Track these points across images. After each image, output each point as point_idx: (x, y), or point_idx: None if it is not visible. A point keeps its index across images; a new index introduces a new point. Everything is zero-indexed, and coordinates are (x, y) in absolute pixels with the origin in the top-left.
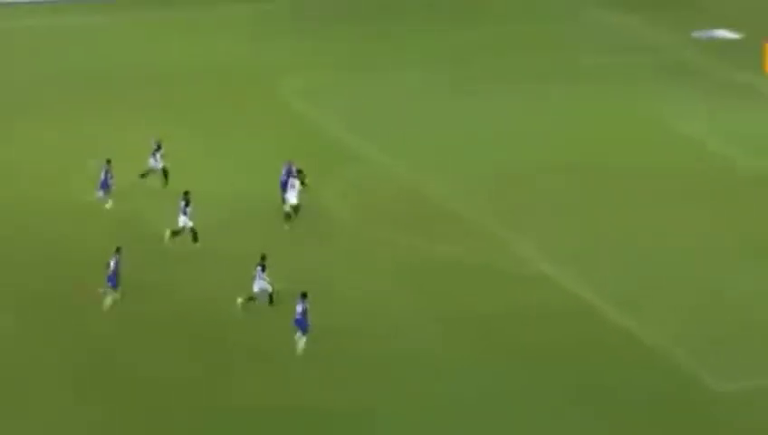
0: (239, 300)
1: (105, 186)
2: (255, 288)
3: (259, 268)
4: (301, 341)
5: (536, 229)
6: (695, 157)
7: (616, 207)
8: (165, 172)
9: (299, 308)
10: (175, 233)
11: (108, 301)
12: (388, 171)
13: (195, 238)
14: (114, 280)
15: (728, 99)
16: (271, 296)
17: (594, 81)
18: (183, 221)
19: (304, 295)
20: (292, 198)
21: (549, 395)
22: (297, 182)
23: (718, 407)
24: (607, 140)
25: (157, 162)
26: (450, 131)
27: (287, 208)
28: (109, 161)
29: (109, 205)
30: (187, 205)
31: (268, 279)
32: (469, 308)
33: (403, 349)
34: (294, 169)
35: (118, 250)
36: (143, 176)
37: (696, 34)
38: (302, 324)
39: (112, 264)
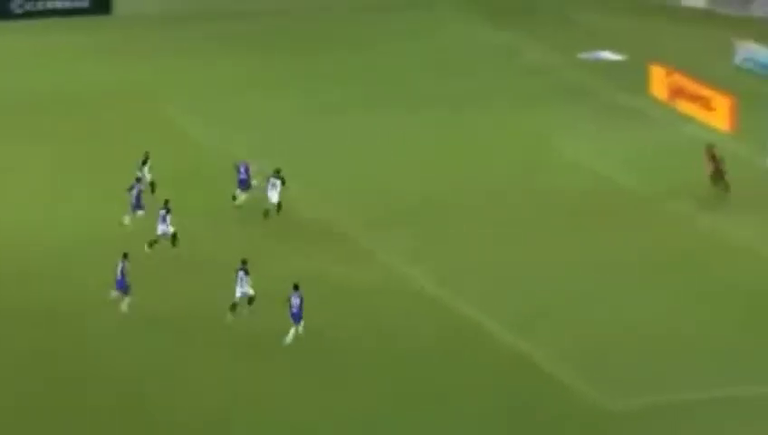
0: (229, 316)
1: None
2: (238, 293)
3: (241, 273)
4: (297, 329)
5: (432, 254)
6: (584, 178)
7: (508, 229)
8: (152, 185)
9: (296, 301)
10: (153, 242)
11: (124, 305)
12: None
13: (174, 243)
14: (123, 284)
15: (616, 120)
16: (251, 299)
17: (481, 103)
18: (162, 230)
19: (296, 287)
20: (274, 196)
21: (434, 416)
22: (278, 181)
23: (613, 425)
24: (495, 163)
25: (144, 175)
26: (335, 151)
27: (268, 206)
28: (138, 180)
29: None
30: (167, 213)
31: (250, 283)
32: (361, 334)
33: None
34: (248, 167)
35: (125, 256)
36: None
37: (582, 56)
38: (297, 317)
39: (119, 270)
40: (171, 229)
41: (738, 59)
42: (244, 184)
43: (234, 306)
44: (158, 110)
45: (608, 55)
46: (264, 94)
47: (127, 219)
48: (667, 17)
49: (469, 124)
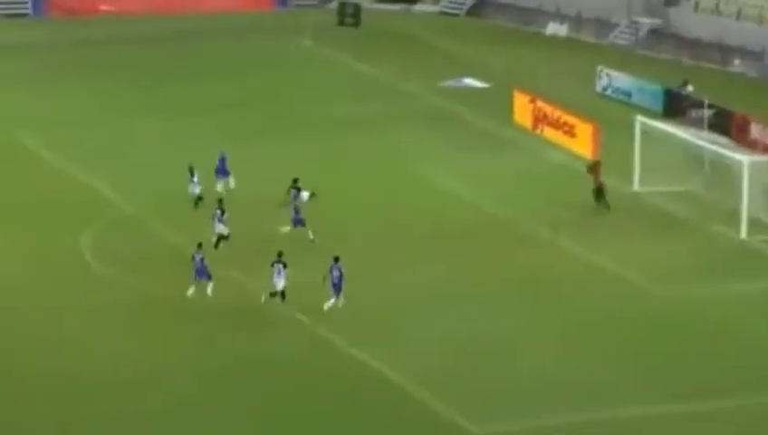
0: (263, 297)
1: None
2: (278, 286)
3: (280, 265)
4: (339, 300)
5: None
6: (447, 204)
7: (370, 252)
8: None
9: (336, 272)
10: (218, 241)
11: (209, 290)
12: (137, 218)
13: (217, 245)
14: (203, 273)
15: (479, 147)
16: (283, 293)
17: (344, 131)
18: (219, 228)
19: (337, 259)
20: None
21: None
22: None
23: None
24: (357, 189)
25: (195, 186)
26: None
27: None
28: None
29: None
30: (222, 213)
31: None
32: (220, 353)
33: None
34: (225, 157)
35: (199, 246)
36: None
37: (446, 83)
38: (338, 288)
39: (197, 258)
40: (226, 230)
41: (600, 86)
42: (223, 172)
43: (275, 294)
44: (12, 138)
45: (471, 82)
46: (121, 123)
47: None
48: (530, 45)
49: (333, 151)
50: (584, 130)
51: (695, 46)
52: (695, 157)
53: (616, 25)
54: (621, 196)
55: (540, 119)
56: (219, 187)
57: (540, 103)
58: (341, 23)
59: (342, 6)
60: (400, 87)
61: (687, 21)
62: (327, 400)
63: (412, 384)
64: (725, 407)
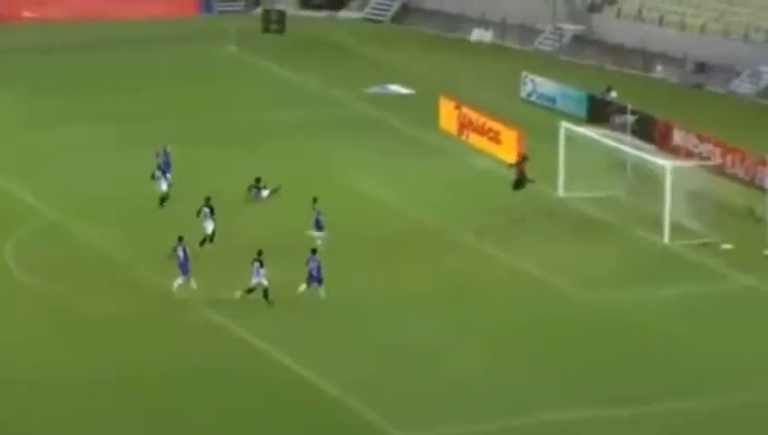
0: (237, 293)
1: None
2: (252, 283)
3: (257, 264)
4: (321, 291)
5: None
6: (372, 211)
7: (296, 257)
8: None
9: (313, 265)
10: (204, 241)
11: (193, 284)
12: (61, 226)
13: (211, 240)
14: (185, 267)
15: (405, 153)
16: (266, 292)
17: (269, 137)
18: (209, 227)
19: (314, 251)
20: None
21: None
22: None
23: None
24: (283, 195)
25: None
26: (117, 185)
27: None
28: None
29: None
30: (211, 212)
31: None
32: (142, 361)
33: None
34: (168, 151)
35: (180, 239)
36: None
37: (371, 90)
38: (317, 278)
39: (180, 253)
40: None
41: (524, 92)
42: (166, 167)
43: (250, 290)
44: None
45: (397, 89)
46: (44, 131)
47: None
48: (455, 51)
49: (258, 158)
50: (509, 136)
51: (618, 52)
52: (618, 162)
53: (540, 32)
54: (546, 201)
55: (465, 125)
56: (163, 184)
57: (465, 110)
58: (266, 29)
59: (267, 13)
60: (326, 93)
61: (610, 27)
62: (254, 408)
63: (340, 391)
64: (649, 412)
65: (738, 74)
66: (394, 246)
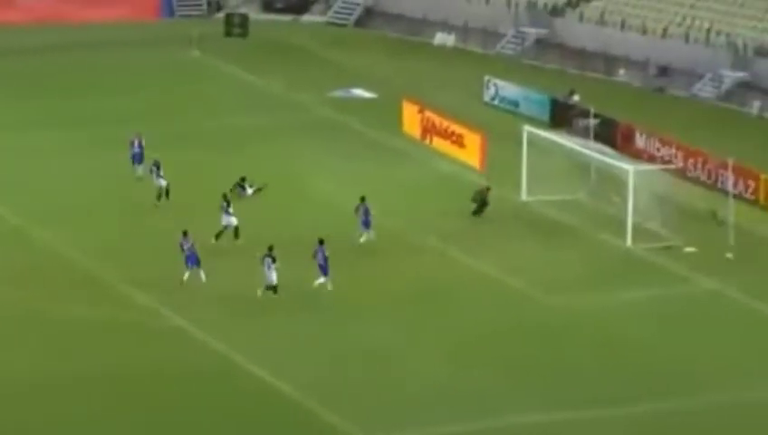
0: (258, 292)
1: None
2: (269, 279)
3: (269, 259)
4: (327, 283)
5: (159, 283)
6: (335, 216)
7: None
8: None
9: (321, 255)
10: (219, 234)
11: (202, 275)
12: (22, 230)
13: (236, 235)
14: (194, 260)
15: (368, 157)
16: (275, 287)
17: (234, 141)
18: (226, 220)
19: (322, 242)
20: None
21: None
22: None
23: None
24: (242, 203)
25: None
26: (81, 190)
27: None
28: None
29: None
30: (228, 205)
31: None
32: (107, 366)
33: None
34: (141, 141)
35: (185, 233)
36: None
37: (334, 93)
38: (325, 269)
39: (185, 247)
40: (234, 221)
41: (487, 96)
42: (139, 158)
43: (271, 288)
44: None
45: (360, 93)
46: (2, 136)
47: None
48: (418, 55)
49: (222, 163)
50: (472, 140)
51: (580, 56)
52: (581, 166)
53: (502, 36)
54: (509, 205)
55: (428, 129)
56: (139, 171)
57: (428, 113)
58: (229, 33)
59: (229, 17)
60: (289, 97)
61: (573, 31)
62: (214, 412)
63: (303, 396)
64: (613, 415)
65: (700, 78)
66: (357, 249)
